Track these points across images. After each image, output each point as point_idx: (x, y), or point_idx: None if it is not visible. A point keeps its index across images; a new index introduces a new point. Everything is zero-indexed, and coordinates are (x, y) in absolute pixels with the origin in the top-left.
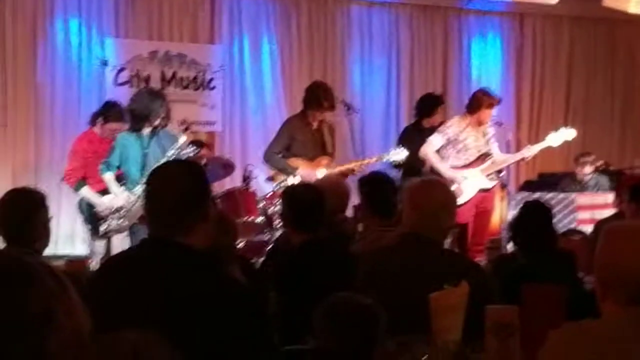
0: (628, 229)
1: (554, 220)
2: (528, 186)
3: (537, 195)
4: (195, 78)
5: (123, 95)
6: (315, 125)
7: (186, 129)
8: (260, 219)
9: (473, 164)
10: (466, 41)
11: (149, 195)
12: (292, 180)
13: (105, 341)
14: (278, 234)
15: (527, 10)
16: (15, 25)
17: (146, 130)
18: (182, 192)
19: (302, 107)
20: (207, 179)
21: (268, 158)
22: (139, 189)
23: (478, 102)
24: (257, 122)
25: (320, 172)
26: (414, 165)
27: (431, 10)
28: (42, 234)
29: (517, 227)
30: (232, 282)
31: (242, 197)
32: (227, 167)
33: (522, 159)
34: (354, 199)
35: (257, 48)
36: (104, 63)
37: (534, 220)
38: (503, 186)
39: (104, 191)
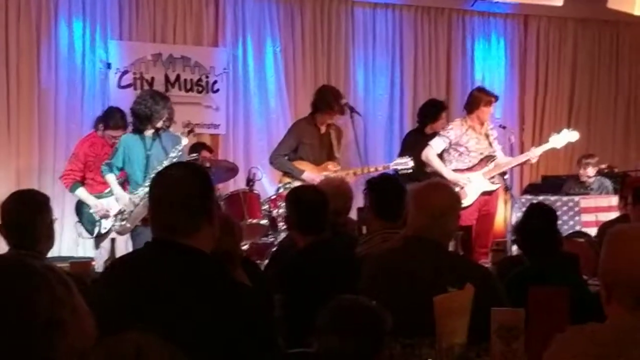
0: (633, 232)
1: (558, 223)
2: (532, 189)
3: (541, 198)
4: (199, 81)
5: (127, 98)
6: (323, 129)
7: (190, 132)
8: (264, 222)
9: (475, 167)
10: (470, 43)
11: (154, 198)
12: (298, 183)
13: (109, 342)
14: (282, 236)
15: (531, 12)
16: (19, 28)
17: (149, 132)
18: (187, 195)
19: (311, 111)
20: (211, 182)
21: (274, 160)
22: (142, 190)
23: (476, 100)
24: (260, 125)
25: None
26: (416, 170)
27: (435, 12)
28: (46, 235)
29: (521, 230)
30: (237, 285)
31: (246, 200)
32: (231, 170)
33: (526, 161)
34: (357, 201)
35: (261, 51)
36: (108, 66)
37: (538, 223)
38: (507, 189)
39: (101, 195)
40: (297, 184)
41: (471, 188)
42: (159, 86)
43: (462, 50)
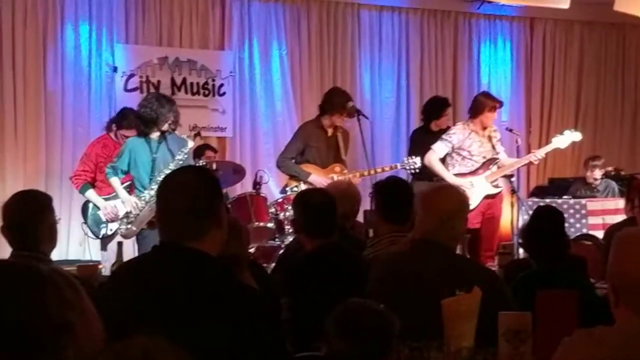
0: None
1: (565, 226)
2: (539, 191)
3: (547, 200)
4: (205, 84)
5: (133, 102)
6: (330, 131)
7: (197, 135)
8: (271, 224)
9: (478, 170)
10: (476, 46)
11: (162, 202)
12: (305, 186)
13: (117, 347)
14: (289, 239)
15: (537, 15)
16: (25, 32)
17: (155, 135)
18: (194, 199)
19: (319, 113)
20: (219, 185)
21: (281, 163)
22: (148, 194)
23: (480, 105)
24: (267, 128)
25: (333, 179)
26: (423, 169)
27: (441, 15)
28: (48, 236)
29: (528, 233)
30: (244, 288)
31: (253, 203)
32: (238, 172)
33: (530, 163)
34: (364, 204)
35: (267, 54)
36: (114, 69)
37: (545, 226)
38: (513, 192)
39: (110, 197)
40: (304, 187)
41: (474, 192)
42: (165, 89)
43: (468, 53)
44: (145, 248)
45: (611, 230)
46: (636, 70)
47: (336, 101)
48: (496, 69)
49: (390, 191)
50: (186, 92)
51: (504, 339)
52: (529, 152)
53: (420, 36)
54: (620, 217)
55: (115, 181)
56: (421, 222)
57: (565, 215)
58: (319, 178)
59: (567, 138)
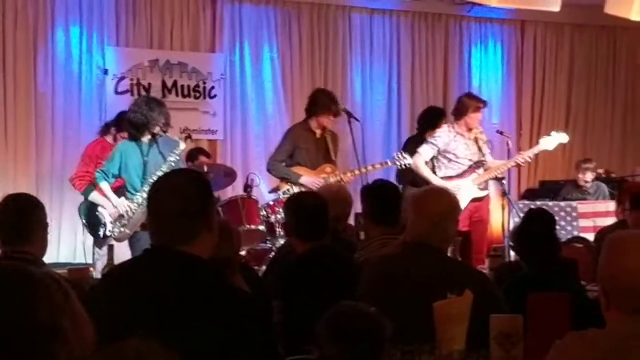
0: (632, 239)
1: (556, 229)
2: (530, 194)
3: (539, 203)
4: (196, 87)
5: (124, 104)
6: (318, 133)
7: (188, 137)
8: (262, 228)
9: (465, 173)
10: (467, 49)
11: (153, 205)
12: (297, 189)
13: (109, 350)
14: (280, 242)
15: (528, 18)
16: (16, 34)
17: (146, 138)
18: (185, 202)
19: (306, 116)
20: (211, 188)
21: (272, 167)
22: (140, 196)
23: (464, 107)
24: (258, 131)
25: (323, 180)
26: (416, 175)
27: (432, 18)
28: (39, 237)
29: (520, 235)
30: (236, 291)
31: (245, 206)
32: (229, 176)
33: (517, 165)
34: (356, 207)
35: (259, 56)
36: (105, 72)
37: (537, 229)
38: (504, 194)
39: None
40: (297, 189)
41: (461, 195)
42: (156, 92)
43: (459, 56)
44: (138, 251)
45: (603, 233)
46: (627, 73)
47: (320, 103)
48: (487, 71)
49: (379, 194)
50: (177, 95)
51: (495, 342)
52: None
53: (412, 39)
54: (611, 220)
55: (105, 186)
56: (413, 225)
57: (557, 218)
58: (310, 179)
59: (554, 140)
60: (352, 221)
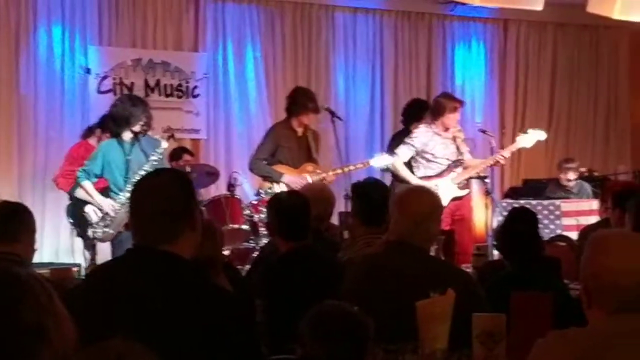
0: (614, 238)
1: (539, 227)
2: (513, 193)
3: (522, 201)
4: (179, 86)
5: (106, 104)
6: (300, 131)
7: (170, 137)
8: (245, 227)
9: (444, 173)
10: (450, 48)
11: (135, 204)
12: (279, 187)
13: (91, 350)
14: (264, 241)
15: (511, 17)
16: None
17: (128, 137)
18: (167, 201)
19: (286, 115)
20: (193, 187)
21: (253, 165)
22: (123, 196)
23: (440, 107)
24: (241, 130)
25: (305, 178)
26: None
27: (415, 17)
28: (26, 239)
29: (503, 234)
30: (219, 291)
31: (228, 205)
32: (211, 174)
33: (496, 163)
34: (339, 206)
35: (241, 55)
36: (87, 71)
37: (520, 228)
38: (487, 193)
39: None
40: (278, 188)
41: (440, 195)
42: (139, 91)
43: (442, 54)
44: (121, 251)
45: (585, 231)
46: (609, 72)
47: (298, 102)
48: (470, 70)
49: (368, 193)
50: (160, 94)
51: (478, 340)
52: None
53: (395, 38)
54: (594, 218)
55: (88, 185)
56: (396, 224)
57: (540, 217)
58: (292, 177)
59: (531, 137)
60: (335, 220)
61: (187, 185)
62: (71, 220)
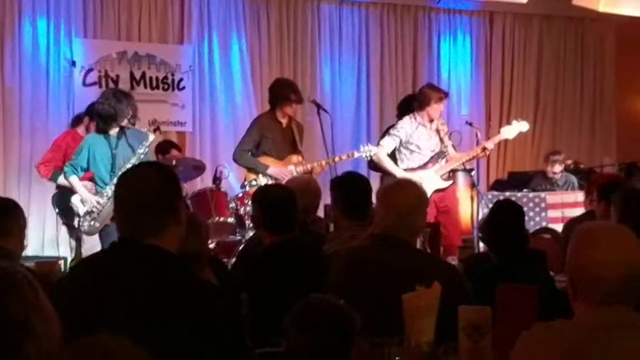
0: (600, 230)
1: (525, 219)
2: (498, 185)
3: (507, 194)
4: (164, 78)
5: (91, 96)
6: (284, 123)
7: (157, 129)
8: (231, 220)
9: (427, 164)
10: (436, 40)
11: (119, 198)
12: (264, 179)
13: (76, 345)
14: (249, 234)
15: (496, 9)
16: None
17: (113, 131)
18: (152, 195)
19: (270, 107)
20: (178, 181)
21: (238, 156)
22: (109, 189)
23: (426, 97)
24: (227, 122)
25: (291, 170)
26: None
27: (401, 10)
28: (15, 234)
29: (488, 226)
30: (203, 284)
31: (213, 198)
32: (198, 168)
33: (479, 154)
34: (325, 199)
35: (227, 48)
36: (72, 64)
37: (505, 220)
38: (473, 185)
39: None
40: (263, 180)
41: (424, 186)
42: (124, 84)
43: (428, 47)
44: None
45: (571, 223)
46: (595, 64)
47: (279, 93)
48: (456, 63)
49: (349, 186)
50: (145, 87)
51: (464, 333)
52: None
53: (380, 30)
54: (579, 211)
55: (74, 179)
56: (381, 218)
57: (525, 209)
58: (278, 170)
59: (514, 128)
60: (321, 213)
61: (172, 178)
62: (57, 210)
